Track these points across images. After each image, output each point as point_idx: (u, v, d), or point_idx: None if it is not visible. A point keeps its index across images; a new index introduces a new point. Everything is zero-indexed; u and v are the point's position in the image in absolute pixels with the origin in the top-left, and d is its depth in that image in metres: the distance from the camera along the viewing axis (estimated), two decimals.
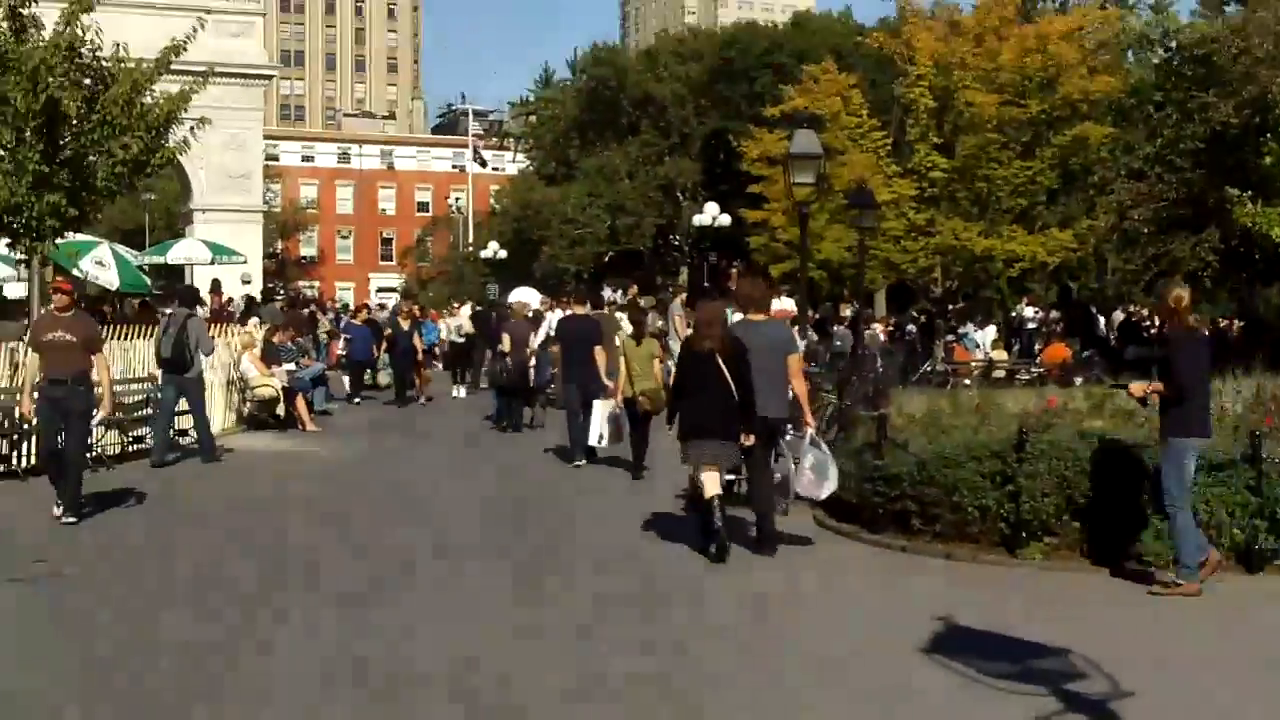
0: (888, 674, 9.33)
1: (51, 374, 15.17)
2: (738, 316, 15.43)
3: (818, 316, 39.14)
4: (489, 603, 11.36)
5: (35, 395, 15.57)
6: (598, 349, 21.01)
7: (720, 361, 13.43)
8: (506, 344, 25.63)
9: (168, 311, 22.30)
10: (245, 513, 16.47)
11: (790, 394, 14.32)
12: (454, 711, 8.38)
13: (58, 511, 14.99)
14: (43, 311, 16.50)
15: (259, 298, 40.21)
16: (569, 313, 24.00)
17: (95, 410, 16.02)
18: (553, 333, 25.45)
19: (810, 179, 25.21)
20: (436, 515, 16.18)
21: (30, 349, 16.11)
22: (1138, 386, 12.14)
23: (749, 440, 13.58)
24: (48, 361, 15.26)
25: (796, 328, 24.05)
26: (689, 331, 16.80)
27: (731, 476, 15.49)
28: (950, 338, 39.61)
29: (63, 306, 15.40)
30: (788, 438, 14.31)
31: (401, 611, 10.91)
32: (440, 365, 41.38)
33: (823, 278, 49.00)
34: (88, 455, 17.18)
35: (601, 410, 19.95)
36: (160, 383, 21.16)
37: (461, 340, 35.61)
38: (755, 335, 14.07)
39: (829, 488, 14.09)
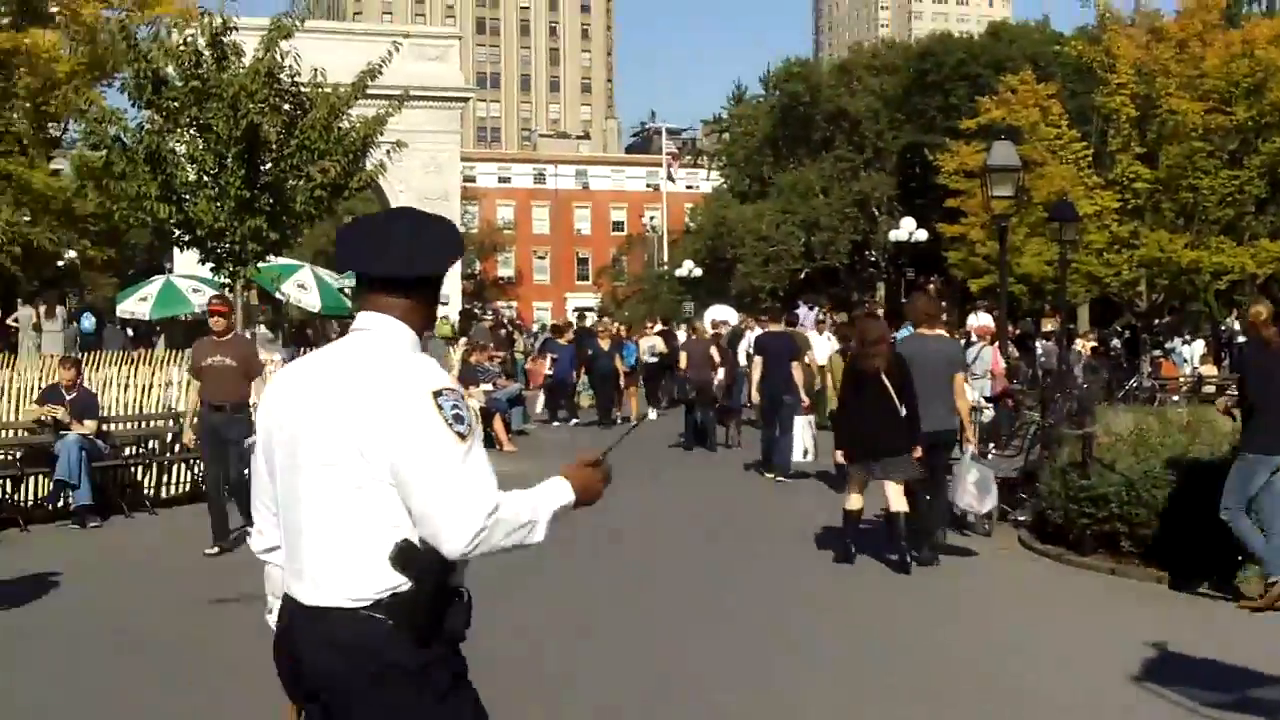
0: (1099, 703, 8.98)
1: (211, 400, 14.63)
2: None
3: (1018, 332, 38.44)
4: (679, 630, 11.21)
5: (196, 422, 15.16)
6: (795, 365, 21.08)
7: (885, 379, 13.56)
8: (683, 362, 25.70)
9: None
10: None
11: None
12: None
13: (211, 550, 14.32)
14: (202, 337, 15.66)
15: (455, 318, 40.58)
16: (765, 329, 24.01)
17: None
18: (751, 349, 25.28)
19: (1009, 192, 24.75)
20: (628, 533, 16.07)
21: (189, 375, 15.53)
22: (1221, 402, 12.94)
23: (918, 454, 13.66)
24: (207, 388, 14.69)
25: (996, 344, 23.59)
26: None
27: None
28: (1157, 353, 38.63)
29: (222, 330, 14.81)
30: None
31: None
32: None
33: (1023, 292, 48.13)
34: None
35: (802, 427, 19.88)
36: None
37: (654, 360, 34.78)
38: (924, 350, 14.32)
39: (990, 503, 14.36)
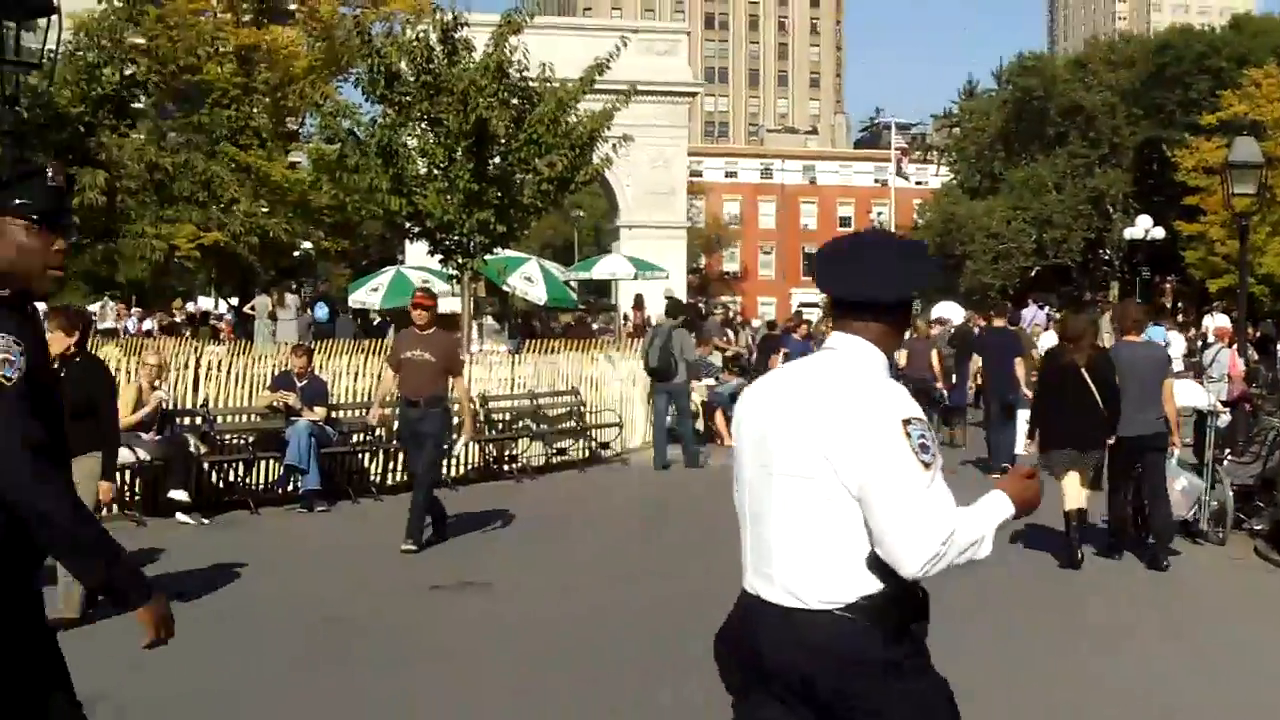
0: None
1: (406, 394, 14.32)
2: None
3: (1259, 334, 37.29)
4: None
5: (391, 412, 15.29)
6: (1018, 360, 20.74)
7: (1085, 374, 13.66)
8: (902, 360, 25.22)
9: (654, 324, 24.16)
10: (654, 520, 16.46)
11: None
12: None
13: (407, 545, 13.81)
14: (404, 329, 15.48)
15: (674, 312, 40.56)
16: (985, 326, 23.73)
17: (454, 434, 15.25)
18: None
19: (1251, 189, 24.07)
20: None
21: (388, 365, 15.00)
22: None
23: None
24: (404, 381, 14.30)
25: (1234, 347, 22.94)
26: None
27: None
28: None
29: (424, 324, 14.32)
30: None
31: None
32: None
33: (1264, 294, 46.75)
34: (442, 478, 16.77)
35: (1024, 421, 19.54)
36: (652, 392, 22.49)
37: None
38: (1134, 355, 14.19)
39: (1193, 511, 14.56)
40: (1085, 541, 13.83)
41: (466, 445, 18.48)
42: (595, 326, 38.06)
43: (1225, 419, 16.16)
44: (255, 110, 38.18)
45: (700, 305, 48.83)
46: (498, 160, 23.11)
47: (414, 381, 14.15)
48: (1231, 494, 15.40)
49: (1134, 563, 14.09)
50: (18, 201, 4.16)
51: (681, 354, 21.97)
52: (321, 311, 37.75)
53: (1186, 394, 15.99)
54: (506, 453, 20.36)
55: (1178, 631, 11.32)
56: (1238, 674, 9.93)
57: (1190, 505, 14.18)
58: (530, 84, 23.57)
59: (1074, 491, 13.74)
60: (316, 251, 43.50)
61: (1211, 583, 13.67)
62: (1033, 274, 69.15)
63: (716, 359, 29.27)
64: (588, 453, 21.94)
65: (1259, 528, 15.31)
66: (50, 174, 4.29)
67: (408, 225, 23.69)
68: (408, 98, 22.79)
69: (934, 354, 25.43)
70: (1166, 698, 9.19)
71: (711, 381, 26.29)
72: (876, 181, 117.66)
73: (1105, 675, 9.75)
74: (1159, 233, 51.45)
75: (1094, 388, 13.63)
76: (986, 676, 9.69)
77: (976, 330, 27.43)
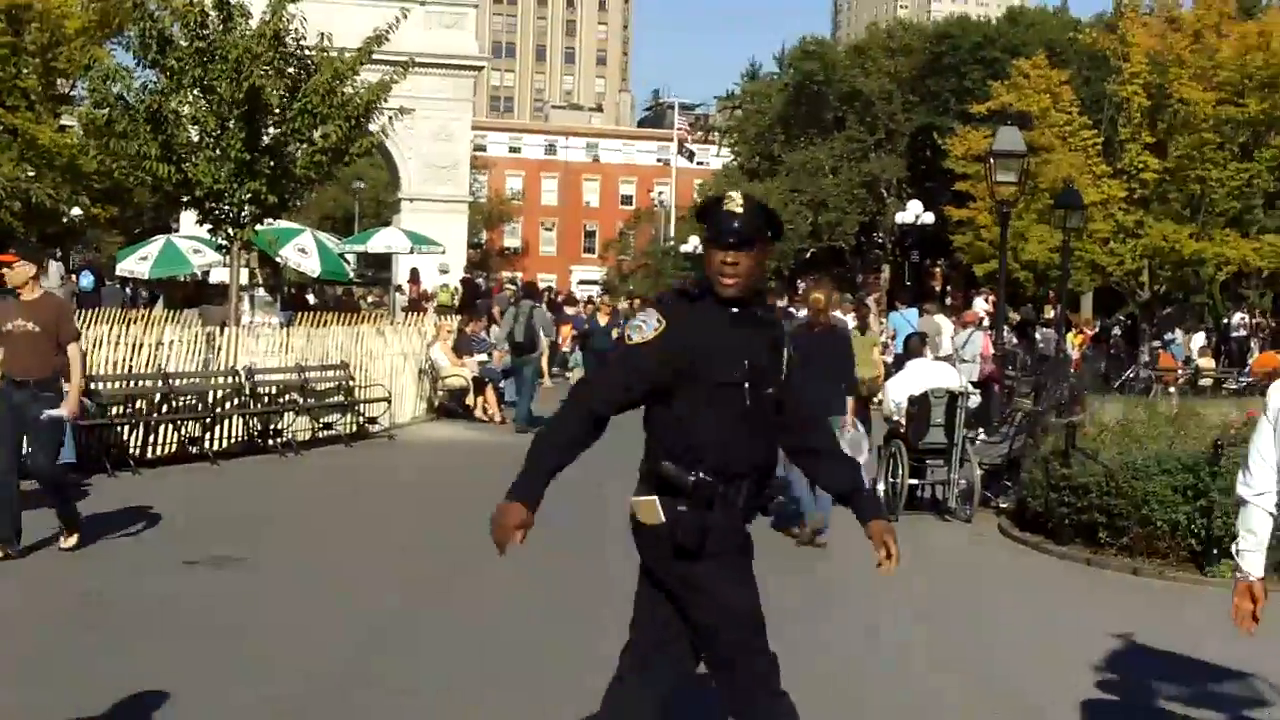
0: (1058, 690, 8.99)
1: (12, 373, 11.78)
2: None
3: (1019, 319, 38.42)
4: None
5: None
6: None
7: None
8: None
9: (514, 303, 26.54)
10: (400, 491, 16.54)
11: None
12: None
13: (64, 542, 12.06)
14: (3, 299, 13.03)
15: (459, 285, 40.48)
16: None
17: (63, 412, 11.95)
18: None
19: (1013, 177, 24.79)
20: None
21: None
22: None
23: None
24: (8, 358, 11.83)
25: (986, 329, 23.69)
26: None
27: (914, 481, 15.90)
28: (1156, 344, 38.61)
29: (21, 286, 11.82)
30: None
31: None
32: None
33: (1027, 279, 48.08)
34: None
35: None
36: (514, 363, 24.91)
37: None
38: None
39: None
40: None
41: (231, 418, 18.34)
42: (370, 300, 37.79)
43: (975, 400, 16.71)
44: (24, 71, 37.14)
45: (479, 281, 48.80)
46: (271, 130, 22.78)
47: (21, 358, 11.72)
48: (980, 473, 15.97)
49: None
50: None
51: (541, 330, 24.75)
52: (86, 280, 36.88)
53: (939, 375, 16.51)
54: (272, 426, 20.14)
55: (922, 604, 11.72)
56: (976, 646, 10.33)
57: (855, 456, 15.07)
58: (307, 53, 23.26)
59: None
60: (86, 218, 42.45)
61: (956, 558, 14.20)
62: (808, 256, 70.24)
63: (501, 334, 29.27)
64: (355, 427, 21.83)
65: (1004, 506, 15.90)
66: None
67: (176, 193, 23.26)
68: (180, 64, 22.35)
69: None
70: (909, 670, 9.53)
71: (483, 357, 26.34)
72: (659, 160, 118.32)
73: (851, 648, 10.08)
74: (929, 218, 52.68)
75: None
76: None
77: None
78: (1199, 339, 39.28)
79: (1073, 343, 34.58)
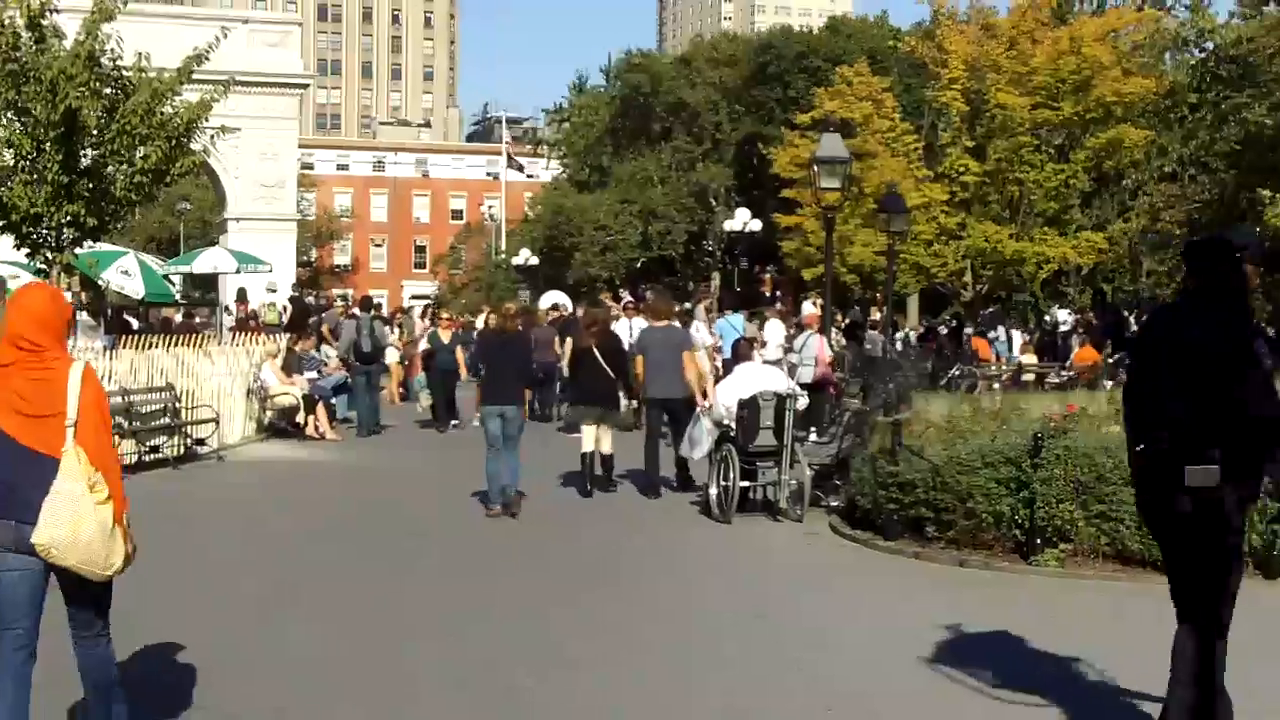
0: (885, 683, 9.16)
1: None
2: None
3: (847, 321, 38.95)
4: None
5: None
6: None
7: (596, 352, 18.68)
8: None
9: (356, 316, 28.05)
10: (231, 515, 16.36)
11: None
12: None
13: None
14: None
15: (288, 305, 40.09)
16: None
17: None
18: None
19: (836, 184, 25.15)
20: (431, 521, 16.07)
21: None
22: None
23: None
24: None
25: (820, 333, 24.01)
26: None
27: (746, 484, 16.19)
28: (968, 331, 39.32)
29: None
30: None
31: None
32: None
33: (855, 281, 48.78)
34: None
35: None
36: (357, 373, 26.39)
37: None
38: (654, 336, 18.77)
39: (700, 452, 17.05)
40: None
41: None
42: (196, 321, 37.28)
43: (803, 402, 16.92)
44: None
45: (309, 300, 48.35)
46: (90, 152, 22.41)
47: None
48: (810, 473, 16.18)
49: (714, 536, 14.88)
50: None
51: (384, 339, 27.65)
52: None
53: (767, 378, 16.72)
54: None
55: (755, 603, 11.86)
56: (809, 644, 10.47)
57: (693, 448, 17.18)
58: (125, 73, 22.92)
59: (590, 438, 18.05)
60: None
61: (788, 558, 14.38)
62: (639, 265, 70.56)
63: (334, 350, 29.02)
64: (183, 449, 21.49)
65: (835, 504, 16.11)
66: None
67: None
68: None
69: (556, 339, 26.31)
70: (745, 668, 9.63)
71: (314, 374, 26.13)
72: (489, 174, 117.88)
73: (684, 648, 10.16)
74: (757, 225, 53.27)
75: (604, 363, 18.53)
76: (574, 635, 10.01)
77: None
78: (1018, 336, 40.12)
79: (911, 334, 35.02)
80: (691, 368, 17.88)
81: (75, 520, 6.42)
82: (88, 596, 6.70)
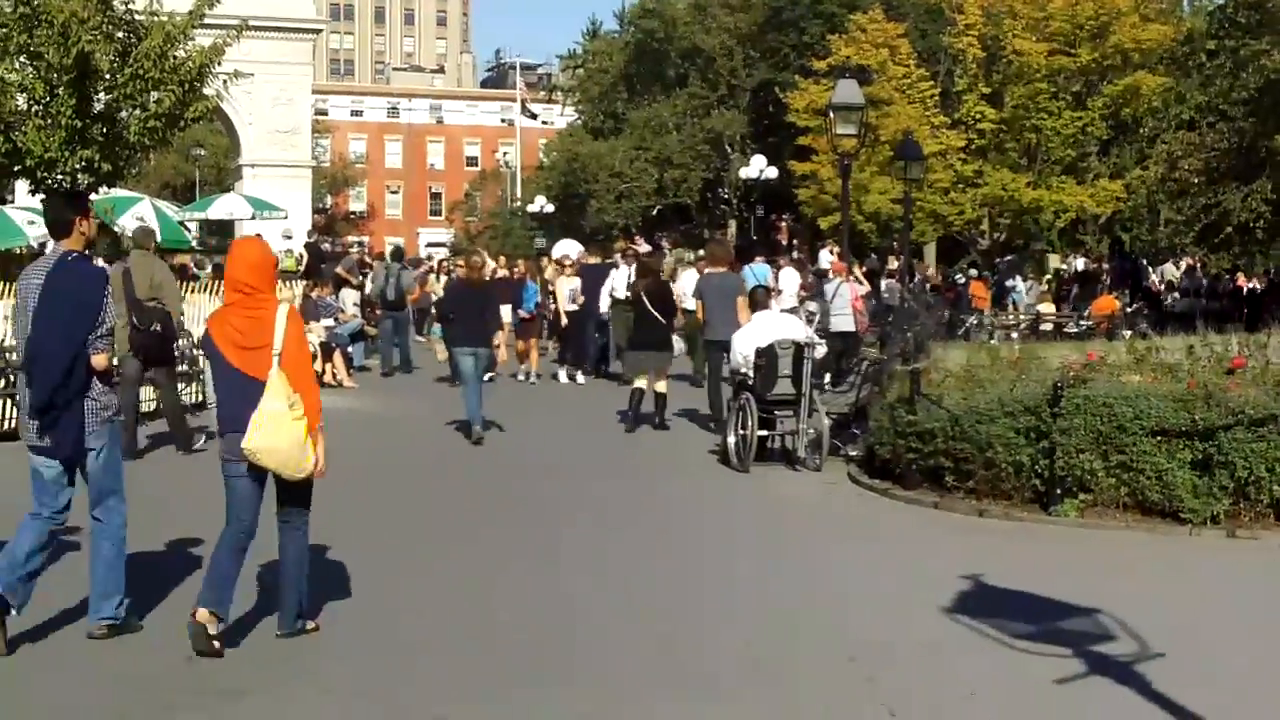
0: (905, 632, 9.12)
1: None
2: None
3: (866, 270, 38.80)
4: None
5: None
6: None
7: (646, 299, 19.88)
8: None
9: (384, 265, 29.51)
10: None
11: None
12: None
13: None
14: None
15: (304, 252, 39.98)
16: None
17: None
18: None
19: (853, 130, 25.04)
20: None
21: None
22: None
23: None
24: None
25: (853, 279, 24.25)
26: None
27: (764, 433, 16.10)
28: (973, 273, 39.17)
29: None
30: None
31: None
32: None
33: (871, 230, 48.56)
34: None
35: None
36: (381, 319, 28.18)
37: (576, 309, 26.94)
38: (711, 282, 19.58)
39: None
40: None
41: None
42: (209, 268, 37.18)
43: (821, 351, 16.80)
44: None
45: (324, 246, 48.22)
46: (102, 96, 22.30)
47: None
48: (828, 422, 16.12)
49: (732, 485, 14.84)
50: None
51: (410, 287, 28.20)
52: None
53: (785, 327, 16.65)
54: None
55: (771, 551, 11.85)
56: (828, 593, 10.45)
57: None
58: (137, 17, 22.79)
59: (641, 383, 19.21)
60: None
61: (807, 507, 14.34)
62: (654, 213, 70.30)
63: (351, 297, 29.02)
64: (201, 396, 21.41)
65: (854, 454, 16.05)
66: None
67: (6, 163, 22.67)
68: (4, 29, 21.78)
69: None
70: (764, 617, 9.60)
71: (330, 322, 26.06)
72: (503, 121, 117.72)
73: (705, 598, 10.13)
74: (773, 172, 52.98)
75: (653, 309, 19.67)
76: (592, 585, 9.98)
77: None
78: (1034, 285, 39.94)
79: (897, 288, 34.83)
80: (745, 312, 18.04)
81: (275, 432, 8.16)
82: (291, 494, 8.54)
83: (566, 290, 27.03)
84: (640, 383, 19.17)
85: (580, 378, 26.08)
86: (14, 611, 8.32)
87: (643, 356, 19.56)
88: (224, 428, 8.40)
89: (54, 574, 9.04)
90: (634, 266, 24.67)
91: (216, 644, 8.19)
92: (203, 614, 8.17)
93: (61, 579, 9.26)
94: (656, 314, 19.67)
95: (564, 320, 26.97)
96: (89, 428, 8.42)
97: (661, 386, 19.32)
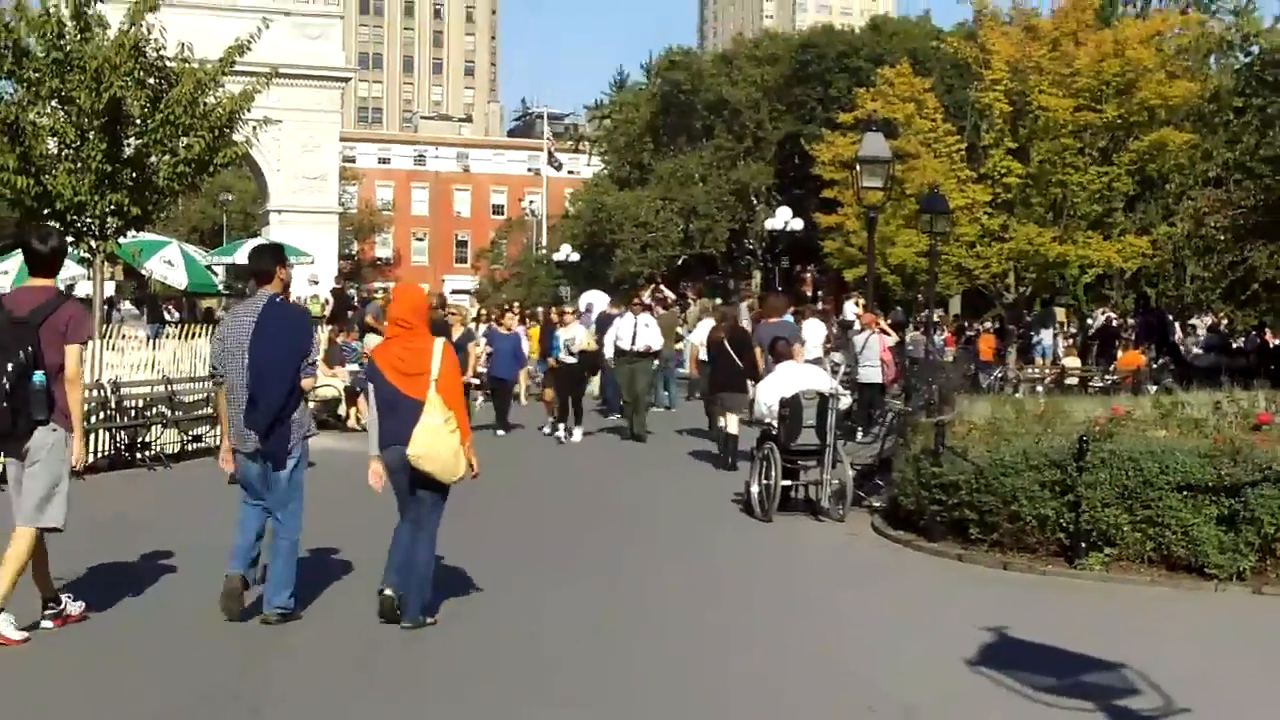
0: (927, 684, 9.09)
1: None
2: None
3: (891, 322, 38.77)
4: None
5: None
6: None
7: (727, 345, 21.20)
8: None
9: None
10: None
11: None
12: None
13: None
14: None
15: (330, 298, 40.14)
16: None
17: None
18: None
19: (879, 183, 25.12)
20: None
21: None
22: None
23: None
24: None
25: (880, 332, 24.44)
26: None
27: (788, 482, 16.15)
28: (986, 327, 39.04)
29: None
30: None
31: None
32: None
33: (896, 282, 48.47)
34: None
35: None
36: None
37: (573, 360, 25.29)
38: (769, 330, 20.67)
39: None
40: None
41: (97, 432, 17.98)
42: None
43: (846, 402, 16.81)
44: None
45: (351, 292, 48.41)
46: (133, 141, 22.41)
47: None
48: (852, 473, 16.10)
49: (755, 534, 14.84)
50: None
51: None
52: None
53: (809, 378, 16.64)
54: (139, 440, 19.80)
55: (796, 603, 11.82)
56: (851, 644, 10.41)
57: None
58: (168, 63, 22.93)
59: (732, 421, 20.36)
60: None
61: (830, 557, 14.31)
62: (680, 263, 70.43)
63: (373, 341, 29.02)
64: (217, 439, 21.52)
65: (878, 505, 16.02)
66: None
67: (35, 206, 22.77)
68: (37, 74, 21.91)
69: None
70: (783, 668, 9.57)
71: (355, 367, 26.12)
72: (529, 170, 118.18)
73: (723, 648, 10.10)
74: (798, 224, 53.06)
75: (733, 354, 20.88)
76: (612, 625, 9.97)
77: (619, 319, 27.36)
78: (1054, 338, 39.85)
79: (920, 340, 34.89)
80: (800, 356, 18.57)
81: (435, 441, 9.92)
82: (432, 498, 10.24)
83: (563, 340, 25.30)
84: (729, 424, 20.51)
85: (577, 435, 24.67)
86: (251, 585, 10.35)
87: (725, 398, 20.78)
88: (384, 441, 10.11)
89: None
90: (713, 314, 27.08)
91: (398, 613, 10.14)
92: (388, 592, 10.20)
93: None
94: (735, 357, 20.95)
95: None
96: (293, 440, 10.29)
97: (733, 428, 20.40)
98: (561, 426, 24.81)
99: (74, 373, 9.65)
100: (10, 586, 9.45)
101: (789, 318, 26.52)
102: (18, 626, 9.53)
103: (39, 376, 9.41)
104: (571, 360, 25.00)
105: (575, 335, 25.42)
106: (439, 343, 10.29)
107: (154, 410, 20.37)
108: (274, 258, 10.80)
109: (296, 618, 10.33)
